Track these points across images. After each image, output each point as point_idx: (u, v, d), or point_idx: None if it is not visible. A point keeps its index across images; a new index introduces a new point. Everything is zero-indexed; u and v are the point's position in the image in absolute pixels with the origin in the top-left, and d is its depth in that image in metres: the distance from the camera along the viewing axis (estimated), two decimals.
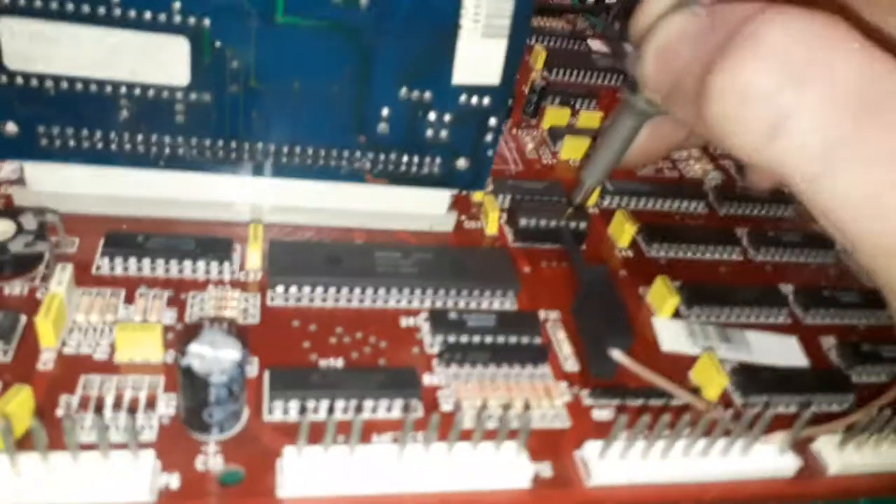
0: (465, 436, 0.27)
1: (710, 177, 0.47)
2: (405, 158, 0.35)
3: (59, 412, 0.26)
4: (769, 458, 0.29)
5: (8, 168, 0.36)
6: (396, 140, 0.34)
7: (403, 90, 0.33)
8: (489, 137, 0.35)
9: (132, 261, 0.32)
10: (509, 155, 0.45)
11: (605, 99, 0.53)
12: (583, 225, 0.38)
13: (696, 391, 0.32)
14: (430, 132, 0.34)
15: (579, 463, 0.28)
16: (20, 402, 0.25)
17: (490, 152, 0.35)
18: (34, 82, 0.30)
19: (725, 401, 0.32)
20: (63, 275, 0.30)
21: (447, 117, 0.34)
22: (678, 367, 0.33)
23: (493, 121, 0.34)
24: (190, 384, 0.25)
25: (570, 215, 0.38)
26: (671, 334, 0.34)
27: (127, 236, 0.33)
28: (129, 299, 0.31)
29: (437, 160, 0.35)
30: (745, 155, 0.27)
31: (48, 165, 0.33)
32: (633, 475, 0.28)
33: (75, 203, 0.34)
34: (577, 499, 0.27)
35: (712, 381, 0.32)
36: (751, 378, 0.33)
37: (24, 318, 0.29)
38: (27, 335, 0.29)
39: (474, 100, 0.33)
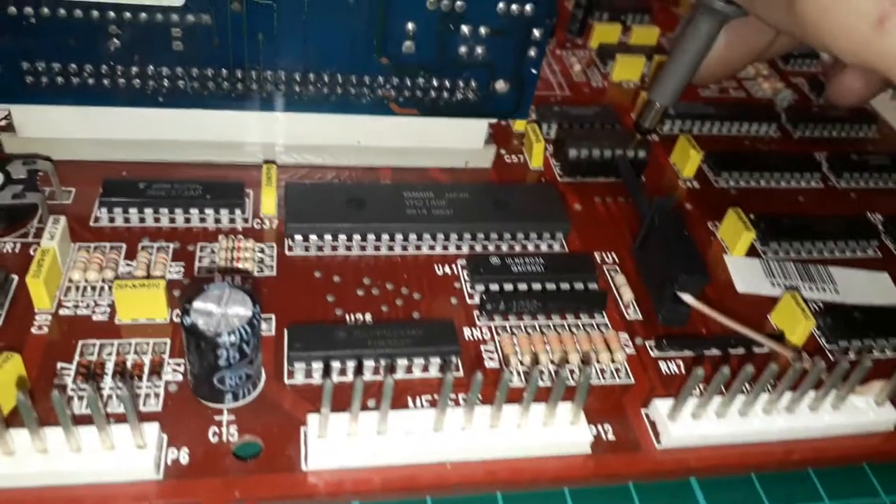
0: (514, 396, 0.23)
1: (781, 96, 0.42)
2: (435, 83, 0.30)
3: (55, 382, 0.23)
4: (865, 412, 0.25)
5: None
6: (425, 61, 0.30)
7: None
8: (533, 53, 0.30)
9: (133, 211, 0.29)
10: (553, 79, 0.40)
11: (661, 12, 0.47)
12: (642, 154, 0.33)
13: (779, 337, 0.27)
14: (463, 49, 0.30)
15: (646, 422, 0.24)
16: (7, 373, 0.22)
17: (534, 71, 0.31)
18: (12, 9, 0.27)
19: (812, 346, 0.28)
20: (56, 228, 0.26)
21: (483, 30, 0.29)
22: (756, 310, 0.29)
23: (537, 33, 0.29)
24: (196, 346, 0.22)
25: (640, 142, 0.33)
26: (747, 274, 0.30)
27: (127, 183, 0.29)
28: (131, 254, 0.28)
29: (473, 84, 0.31)
30: (849, 53, 0.23)
31: (37, 108, 0.30)
32: (710, 435, 0.24)
33: (69, 149, 0.31)
34: (645, 464, 0.23)
35: (797, 324, 0.28)
36: (840, 320, 0.28)
37: (15, 278, 0.26)
38: (19, 296, 0.26)
39: (515, 7, 0.29)
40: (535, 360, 0.26)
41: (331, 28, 0.28)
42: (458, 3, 0.28)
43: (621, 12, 0.45)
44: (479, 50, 0.30)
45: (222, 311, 0.22)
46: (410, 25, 0.29)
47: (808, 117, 0.39)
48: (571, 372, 0.25)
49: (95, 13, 0.27)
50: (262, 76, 0.29)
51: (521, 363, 0.26)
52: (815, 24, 0.22)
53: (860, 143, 0.39)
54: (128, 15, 0.27)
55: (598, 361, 0.26)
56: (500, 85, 0.31)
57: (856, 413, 0.25)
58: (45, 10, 0.27)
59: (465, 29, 0.29)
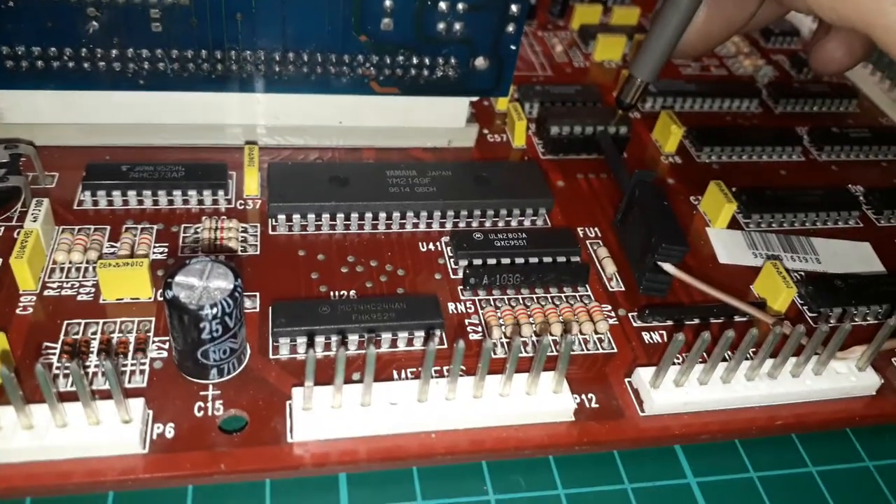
0: (497, 366, 0.23)
1: (763, 73, 0.42)
2: (415, 60, 0.30)
3: (41, 361, 0.23)
4: (846, 377, 0.25)
5: None
6: (404, 38, 0.30)
7: None
8: (511, 28, 0.30)
9: (116, 193, 0.29)
10: (535, 60, 0.41)
11: None
12: (623, 130, 0.34)
13: (761, 305, 0.28)
14: (441, 26, 0.30)
15: (630, 391, 0.25)
16: None
17: (513, 46, 0.31)
18: None
19: (794, 314, 0.28)
20: (39, 210, 0.26)
21: (461, 6, 0.29)
22: (739, 280, 0.29)
23: (514, 8, 0.30)
24: (179, 320, 0.22)
25: (621, 118, 0.33)
26: (729, 245, 0.30)
27: (110, 167, 0.29)
28: (115, 236, 0.28)
29: (452, 61, 0.31)
30: (828, 9, 0.23)
31: (19, 94, 0.30)
32: (693, 402, 0.24)
33: (52, 135, 0.31)
34: (629, 432, 0.24)
35: (779, 292, 0.28)
36: (822, 288, 0.29)
37: None
38: (4, 278, 0.26)
39: None
40: (518, 331, 0.26)
41: (309, 6, 0.28)
42: None
43: None
44: (457, 26, 0.30)
45: (204, 285, 0.22)
46: (388, 2, 0.29)
47: (789, 93, 0.40)
48: (554, 341, 0.26)
49: None
50: (242, 56, 0.29)
51: (505, 335, 0.26)
52: None
53: (841, 117, 0.40)
54: None
55: (581, 332, 0.26)
56: (480, 62, 0.31)
57: (838, 378, 0.25)
58: None
59: (442, 5, 0.29)
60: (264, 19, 0.29)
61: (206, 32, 0.29)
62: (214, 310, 0.22)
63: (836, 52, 0.30)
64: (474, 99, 0.33)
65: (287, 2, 0.28)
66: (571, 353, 0.24)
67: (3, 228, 0.27)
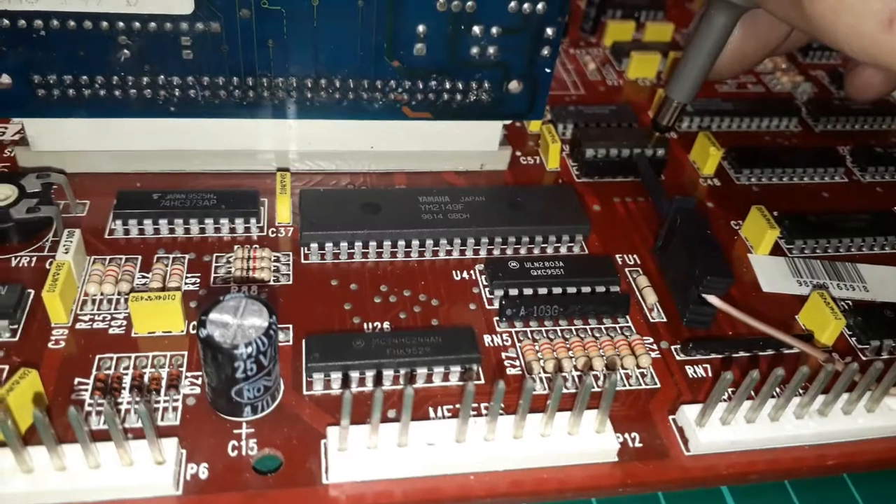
0: (537, 403, 0.23)
1: (801, 90, 0.41)
2: (448, 85, 0.30)
3: (73, 398, 0.23)
4: None
5: (10, 129, 0.32)
6: (436, 63, 0.29)
7: (441, 0, 0.28)
8: (546, 52, 0.29)
9: (147, 222, 0.28)
10: (568, 78, 0.40)
11: (674, 8, 0.47)
12: (661, 152, 0.33)
13: (807, 338, 0.27)
14: (475, 50, 0.29)
15: (674, 429, 0.24)
16: (24, 389, 0.22)
17: (548, 70, 0.30)
18: (21, 23, 0.26)
19: (842, 346, 0.27)
20: (70, 241, 0.26)
21: (494, 30, 0.29)
22: (784, 310, 0.28)
23: (549, 31, 0.29)
24: (213, 358, 0.22)
25: (658, 140, 0.32)
26: (772, 273, 0.29)
27: (141, 195, 0.29)
28: (146, 266, 0.27)
29: (486, 85, 0.30)
30: (857, 50, 0.22)
31: (50, 122, 0.29)
32: (740, 441, 0.23)
33: (83, 162, 0.30)
34: (674, 472, 0.23)
35: (826, 324, 0.27)
36: (871, 318, 0.28)
37: (31, 293, 0.26)
38: (36, 311, 0.25)
39: (526, 6, 0.28)
40: (559, 367, 0.25)
41: (341, 32, 0.28)
42: (469, 2, 0.28)
43: (635, 9, 0.45)
44: (491, 50, 0.29)
45: (238, 323, 0.22)
46: (421, 27, 0.28)
47: (829, 110, 0.39)
48: (596, 378, 0.25)
49: (105, 24, 0.27)
50: (273, 83, 0.29)
51: (544, 370, 0.25)
52: (827, 24, 0.22)
53: (884, 135, 0.39)
54: (137, 25, 0.27)
55: (622, 367, 0.25)
56: (514, 85, 0.30)
57: (891, 416, 0.24)
58: (55, 23, 0.27)
59: (476, 29, 0.29)
60: (296, 46, 0.28)
61: (237, 59, 0.28)
62: (249, 349, 0.21)
63: (873, 77, 0.30)
64: (507, 122, 0.33)
65: (319, 28, 0.28)
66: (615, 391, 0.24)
67: (35, 258, 0.27)
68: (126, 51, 0.28)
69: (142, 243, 0.28)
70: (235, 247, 0.28)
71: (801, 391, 0.23)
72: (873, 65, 0.23)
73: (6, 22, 0.26)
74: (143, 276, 0.27)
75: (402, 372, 0.24)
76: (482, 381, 0.25)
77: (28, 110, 0.29)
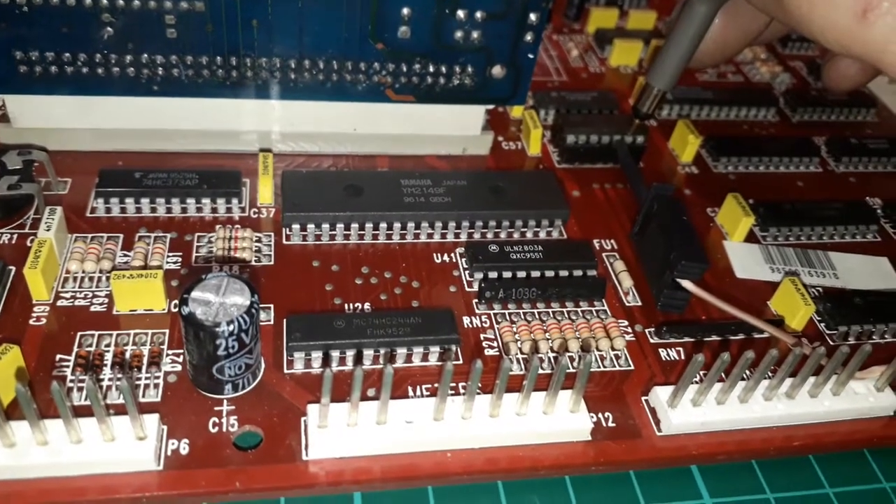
0: (513, 384, 0.23)
1: (780, 80, 0.41)
2: (431, 69, 0.30)
3: (55, 374, 0.23)
4: (865, 397, 0.25)
5: None
6: (420, 46, 0.29)
7: None
8: (529, 37, 0.30)
9: (129, 201, 0.28)
10: (550, 64, 0.40)
11: None
12: (640, 139, 0.33)
13: (779, 323, 0.27)
14: (459, 34, 0.29)
15: (647, 410, 0.24)
16: (6, 364, 0.22)
17: (531, 56, 0.30)
18: None
19: (812, 332, 0.28)
20: (52, 218, 0.26)
21: (479, 14, 0.29)
22: (756, 295, 0.29)
23: (533, 17, 0.29)
24: (195, 336, 0.22)
25: (638, 127, 0.33)
26: (746, 259, 0.30)
27: (123, 173, 0.29)
28: (128, 245, 0.27)
29: (469, 69, 0.30)
30: (832, 41, 0.23)
31: (32, 98, 0.29)
32: (710, 422, 0.24)
33: (64, 139, 0.30)
34: (646, 452, 0.23)
35: (797, 310, 0.27)
36: (840, 305, 0.28)
37: (13, 269, 0.26)
38: (17, 287, 0.25)
39: None
40: (535, 348, 0.26)
41: (325, 13, 0.28)
42: None
43: None
44: (475, 35, 0.29)
45: (220, 301, 0.22)
46: (405, 10, 0.29)
47: (806, 101, 0.39)
48: (571, 359, 0.25)
49: (88, 1, 0.27)
50: (257, 63, 0.29)
51: (521, 351, 0.26)
52: (802, 16, 0.22)
53: (859, 126, 0.39)
54: (120, 2, 0.27)
55: (597, 349, 0.26)
56: (497, 70, 0.31)
57: (856, 399, 0.25)
58: None
59: (460, 13, 0.29)
60: (280, 26, 0.28)
61: (221, 39, 0.28)
62: (231, 327, 0.22)
63: (849, 68, 0.30)
64: (490, 107, 0.33)
65: (304, 9, 0.28)
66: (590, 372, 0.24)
67: (16, 236, 0.27)
68: (109, 28, 0.27)
69: (123, 222, 0.28)
70: (217, 227, 0.28)
71: (770, 374, 0.24)
72: (847, 56, 0.23)
73: None
74: (125, 255, 0.27)
75: (382, 351, 0.25)
76: (461, 362, 0.25)
77: (9, 87, 0.29)
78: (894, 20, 0.21)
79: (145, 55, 0.28)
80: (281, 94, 0.30)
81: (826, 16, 0.22)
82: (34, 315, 0.25)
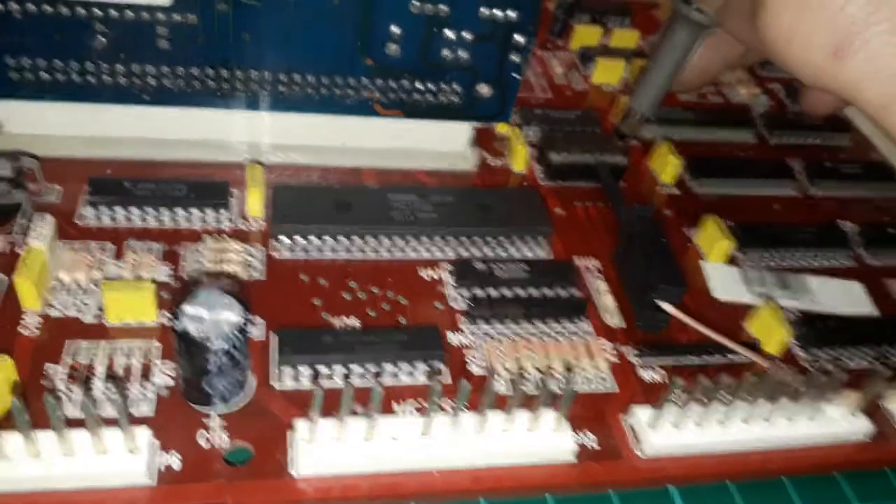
0: (498, 402, 0.24)
1: (758, 102, 0.42)
2: (419, 85, 0.31)
3: (45, 384, 0.23)
4: (839, 422, 0.26)
5: None
6: (409, 63, 0.30)
7: (415, 3, 0.28)
8: (515, 58, 0.30)
9: (119, 210, 0.29)
10: (535, 81, 0.41)
11: (640, 14, 0.48)
12: (621, 159, 0.34)
13: (754, 346, 0.28)
14: (447, 53, 0.30)
15: (628, 431, 0.25)
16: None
17: (516, 76, 0.31)
18: None
19: (786, 355, 0.29)
20: (43, 227, 0.26)
21: (467, 35, 0.29)
22: (732, 317, 0.30)
23: (519, 38, 0.30)
24: (186, 351, 0.22)
25: (620, 148, 0.34)
26: (724, 281, 0.31)
27: (112, 182, 0.29)
28: (118, 253, 0.28)
29: (456, 87, 0.31)
30: (807, 77, 0.24)
31: (22, 104, 0.29)
32: (689, 444, 0.25)
33: (55, 146, 0.30)
34: (626, 472, 0.24)
35: (773, 334, 0.28)
36: (815, 329, 0.29)
37: (3, 277, 0.26)
38: (8, 295, 0.25)
39: (498, 13, 0.29)
40: (520, 368, 0.26)
41: (316, 29, 0.28)
42: (443, 7, 0.29)
43: (602, 14, 0.46)
44: (462, 54, 0.30)
45: (213, 317, 0.22)
46: (395, 28, 0.29)
47: (783, 124, 0.40)
48: (557, 382, 0.26)
49: (82, 10, 0.27)
50: (248, 75, 0.29)
51: (506, 369, 0.26)
52: (780, 52, 0.23)
53: (833, 150, 0.40)
54: (114, 13, 0.27)
55: (581, 369, 0.26)
56: (484, 89, 0.31)
57: (830, 423, 0.26)
58: (31, 6, 0.26)
59: (448, 33, 0.29)
60: (272, 40, 0.29)
61: (213, 51, 0.29)
62: (223, 343, 0.22)
63: (826, 95, 0.31)
64: (476, 124, 0.33)
65: (295, 24, 0.28)
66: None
67: (4, 243, 0.27)
68: (102, 38, 0.28)
69: (113, 231, 0.28)
70: (206, 238, 0.29)
71: (747, 398, 0.25)
72: (822, 91, 0.24)
73: None
74: (116, 265, 0.27)
75: (370, 368, 0.25)
76: (448, 381, 0.26)
77: (0, 92, 0.29)
78: (867, 60, 0.22)
79: (137, 65, 0.28)
80: (270, 106, 0.30)
81: (802, 53, 0.23)
82: (24, 324, 0.25)
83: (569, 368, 0.26)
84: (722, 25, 0.27)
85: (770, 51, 0.24)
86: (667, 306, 0.27)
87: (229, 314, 0.23)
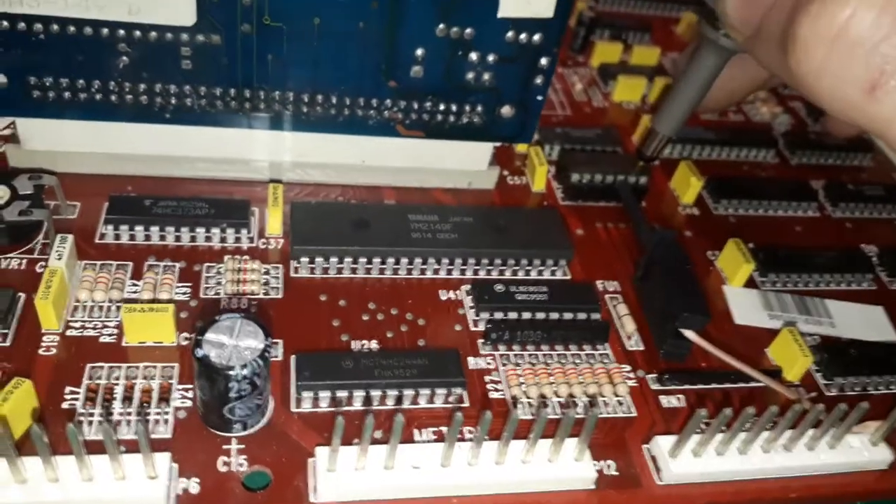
0: (519, 428, 0.24)
1: (779, 121, 0.42)
2: (442, 107, 0.30)
3: (64, 406, 0.23)
4: (860, 451, 0.26)
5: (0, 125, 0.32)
6: (432, 85, 0.30)
7: (441, 26, 0.28)
8: (539, 80, 0.30)
9: (139, 228, 0.29)
10: (555, 97, 0.41)
11: (660, 31, 0.47)
12: (643, 180, 0.34)
13: (776, 374, 0.28)
14: (471, 75, 0.30)
15: (648, 459, 0.25)
16: (19, 398, 0.22)
17: (540, 98, 0.31)
18: (21, 25, 0.26)
19: (808, 382, 0.29)
20: (63, 247, 0.26)
21: (491, 57, 0.29)
22: (754, 342, 0.29)
23: (544, 61, 0.30)
24: (207, 377, 0.22)
25: (641, 169, 0.33)
26: (745, 305, 0.31)
27: (133, 200, 0.29)
28: (137, 273, 0.28)
29: (479, 108, 0.31)
30: (837, 112, 0.23)
31: (43, 121, 0.29)
32: (709, 472, 0.24)
33: (74, 162, 0.30)
34: (645, 501, 0.24)
35: (794, 360, 0.28)
36: (836, 356, 0.29)
37: (22, 297, 0.26)
38: (27, 315, 0.26)
39: (523, 36, 0.29)
40: (541, 396, 0.26)
41: (340, 51, 0.28)
42: (468, 30, 0.28)
43: (622, 30, 0.45)
44: (486, 76, 0.30)
45: (234, 344, 0.22)
46: (419, 51, 0.29)
47: (805, 144, 0.40)
48: (574, 404, 0.26)
49: (105, 30, 0.27)
50: (270, 96, 0.29)
51: (526, 395, 0.26)
52: (811, 86, 0.23)
53: (856, 171, 0.40)
54: (137, 33, 0.27)
55: (601, 394, 0.26)
56: (506, 110, 0.31)
57: (851, 452, 0.25)
58: (55, 27, 0.27)
59: (473, 56, 0.29)
60: (295, 62, 0.28)
61: (236, 71, 0.29)
62: (245, 370, 0.22)
63: None
64: (497, 144, 0.33)
65: (319, 46, 0.28)
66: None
67: (25, 261, 0.27)
68: (125, 58, 0.28)
69: (132, 249, 0.28)
70: (226, 258, 0.29)
71: (769, 427, 0.25)
72: (855, 126, 0.24)
73: (5, 24, 0.26)
74: (134, 284, 0.27)
75: (390, 393, 0.25)
76: (466, 404, 0.25)
77: (21, 109, 0.29)
78: None
79: (159, 85, 0.28)
80: (293, 126, 0.30)
81: (833, 88, 0.22)
82: (44, 345, 0.25)
83: (591, 403, 0.26)
84: (750, 52, 0.26)
85: (799, 84, 0.23)
86: (690, 335, 0.27)
87: (251, 341, 0.23)
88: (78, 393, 0.24)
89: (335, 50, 0.28)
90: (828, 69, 0.22)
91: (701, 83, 0.30)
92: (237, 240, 0.29)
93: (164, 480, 0.21)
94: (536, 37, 0.29)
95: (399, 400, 0.25)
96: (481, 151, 0.33)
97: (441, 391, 0.25)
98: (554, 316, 0.28)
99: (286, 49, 0.28)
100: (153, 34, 0.27)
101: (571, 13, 0.31)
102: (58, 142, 0.30)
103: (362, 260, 0.29)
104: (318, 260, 0.29)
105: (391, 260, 0.29)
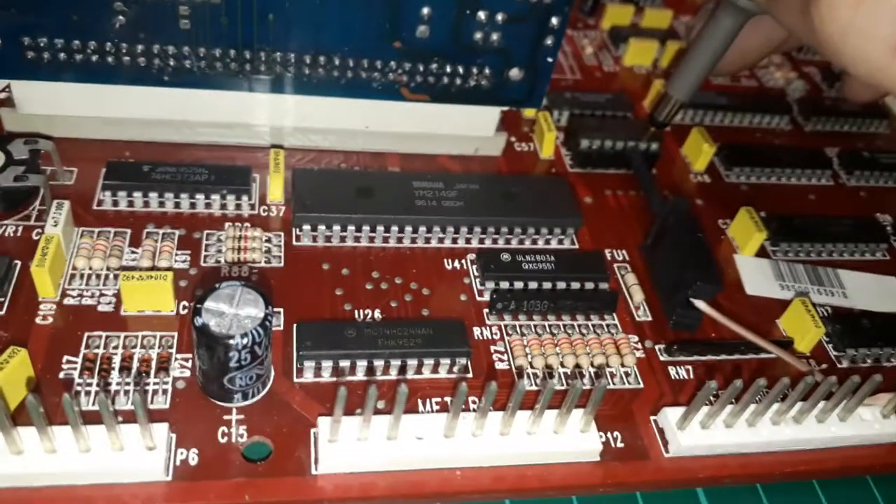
0: (524, 400, 0.23)
1: (793, 87, 0.41)
2: (448, 69, 0.30)
3: (61, 376, 0.23)
4: (870, 424, 0.25)
5: None
6: (438, 46, 0.29)
7: None
8: (549, 41, 0.29)
9: (137, 195, 0.28)
10: (565, 62, 0.40)
11: None
12: (654, 146, 0.33)
13: (787, 344, 0.27)
14: (478, 36, 0.29)
15: (655, 431, 0.24)
16: (15, 368, 0.22)
17: (550, 59, 0.30)
18: None
19: (819, 353, 0.28)
20: (60, 213, 0.26)
21: (500, 16, 0.28)
22: (765, 313, 0.29)
23: (554, 21, 0.29)
24: (207, 347, 0.22)
25: (653, 135, 0.33)
26: (757, 275, 0.30)
27: (131, 166, 0.29)
28: (136, 240, 0.27)
29: (487, 71, 0.30)
30: (862, 73, 0.22)
31: (39, 84, 0.29)
32: (718, 445, 0.24)
33: (71, 127, 0.30)
34: (653, 473, 0.23)
35: (806, 331, 0.27)
36: (848, 327, 0.28)
37: (18, 264, 0.26)
38: (23, 283, 0.25)
39: None
40: (547, 367, 0.25)
41: (344, 10, 0.27)
42: None
43: None
44: (494, 36, 0.29)
45: (234, 312, 0.22)
46: (426, 10, 0.28)
47: (819, 110, 0.39)
48: (581, 375, 0.25)
49: None
50: (272, 57, 0.28)
51: (531, 365, 0.25)
52: (835, 46, 0.22)
53: (871, 138, 0.39)
54: None
55: (608, 365, 0.26)
56: (515, 72, 0.30)
57: (862, 425, 0.25)
58: None
59: (481, 14, 0.28)
60: (297, 21, 0.28)
61: (236, 32, 0.28)
62: (245, 339, 0.21)
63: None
64: (505, 109, 0.32)
65: (322, 5, 0.27)
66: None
67: (20, 227, 0.27)
68: (121, 17, 0.27)
69: (131, 216, 0.28)
70: (226, 225, 0.28)
71: (779, 399, 0.24)
72: (878, 87, 0.23)
73: None
74: (133, 252, 0.27)
75: (393, 363, 0.24)
76: (471, 375, 0.25)
77: (16, 72, 0.28)
78: None
79: (157, 45, 0.28)
80: (294, 89, 0.30)
81: (859, 48, 0.21)
82: (40, 313, 0.24)
83: (598, 374, 0.26)
84: (771, 13, 0.25)
85: (823, 45, 0.22)
86: (702, 305, 0.26)
87: (251, 309, 0.22)
88: (75, 363, 0.23)
89: (338, 9, 0.27)
90: (853, 28, 0.21)
91: (717, 46, 0.29)
92: (238, 207, 0.29)
93: (161, 451, 0.21)
94: None
95: (402, 370, 0.25)
96: (488, 116, 0.32)
97: (445, 361, 0.25)
98: (561, 285, 0.28)
99: (288, 8, 0.27)
100: None
101: None
102: (54, 105, 0.29)
103: (366, 228, 0.28)
104: (321, 228, 0.28)
105: (395, 228, 0.29)
